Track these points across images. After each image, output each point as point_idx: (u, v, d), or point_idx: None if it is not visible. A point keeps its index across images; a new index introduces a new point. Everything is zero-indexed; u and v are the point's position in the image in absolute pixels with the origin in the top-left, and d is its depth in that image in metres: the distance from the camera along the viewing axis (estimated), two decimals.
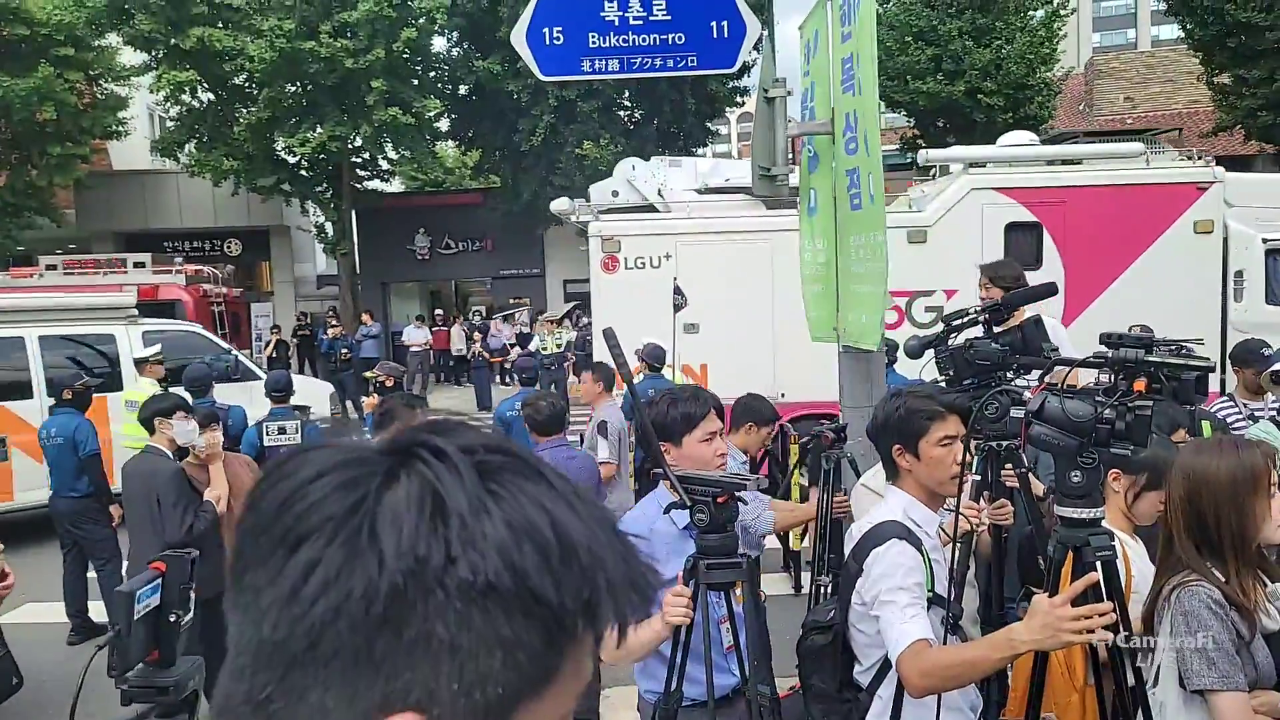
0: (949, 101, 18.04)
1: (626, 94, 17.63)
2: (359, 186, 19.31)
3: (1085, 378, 3.11)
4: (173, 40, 15.83)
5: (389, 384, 7.68)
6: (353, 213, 19.01)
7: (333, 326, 16.30)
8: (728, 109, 20.20)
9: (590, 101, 16.73)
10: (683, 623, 2.29)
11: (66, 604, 5.93)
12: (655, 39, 3.86)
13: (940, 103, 18.16)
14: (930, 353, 3.16)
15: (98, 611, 5.85)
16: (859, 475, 3.33)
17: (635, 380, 4.44)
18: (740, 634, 2.49)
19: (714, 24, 3.90)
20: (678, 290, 7.28)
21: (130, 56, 17.89)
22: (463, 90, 18.65)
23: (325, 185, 18.77)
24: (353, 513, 0.48)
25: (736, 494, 2.33)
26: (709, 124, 19.75)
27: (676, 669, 2.38)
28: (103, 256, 16.29)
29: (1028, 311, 3.50)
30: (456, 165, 28.96)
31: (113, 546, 5.89)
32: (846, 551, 2.41)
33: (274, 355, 16.83)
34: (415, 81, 17.58)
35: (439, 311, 21.29)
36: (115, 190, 20.74)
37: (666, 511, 2.45)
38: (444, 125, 19.63)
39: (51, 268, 14.88)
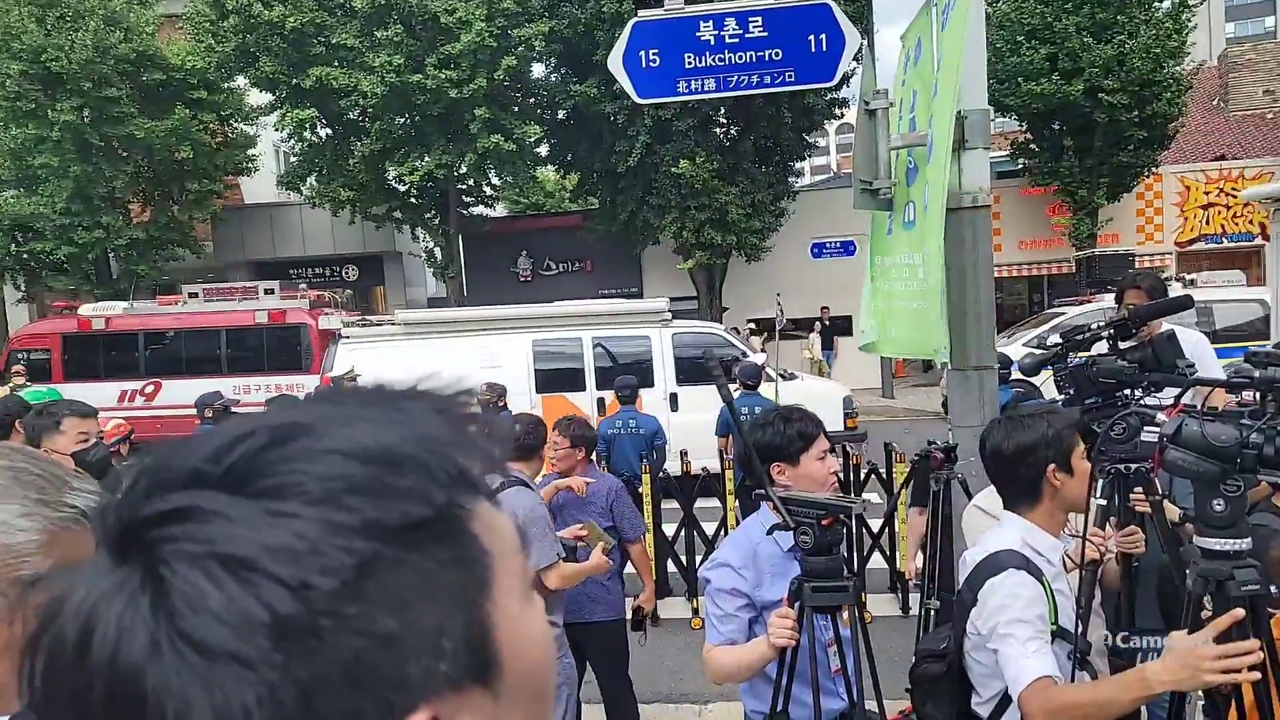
0: (1065, 102, 17.30)
1: (722, 110, 17.61)
2: (465, 212, 19.94)
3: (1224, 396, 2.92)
4: (294, 80, 16.78)
5: (500, 405, 7.88)
6: (459, 237, 19.63)
7: None
8: (826, 121, 19.92)
9: (686, 120, 16.81)
10: (788, 644, 2.28)
11: None
12: (752, 56, 3.86)
13: (1055, 104, 17.43)
14: (1048, 370, 3.04)
15: None
16: (970, 496, 3.22)
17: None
18: (848, 657, 2.46)
19: (812, 37, 3.88)
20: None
21: (257, 97, 19.06)
22: (561, 115, 19.03)
23: (433, 212, 19.46)
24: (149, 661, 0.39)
25: (842, 516, 2.30)
26: (806, 137, 19.48)
27: (782, 690, 2.37)
28: (237, 284, 17.38)
29: (1163, 325, 3.31)
30: (556, 188, 29.55)
31: None
32: (960, 578, 2.34)
33: None
34: (515, 108, 18.06)
35: None
36: (246, 222, 22.10)
37: (769, 533, 2.44)
38: (544, 150, 20.08)
39: (193, 295, 15.98)
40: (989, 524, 2.64)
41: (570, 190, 24.85)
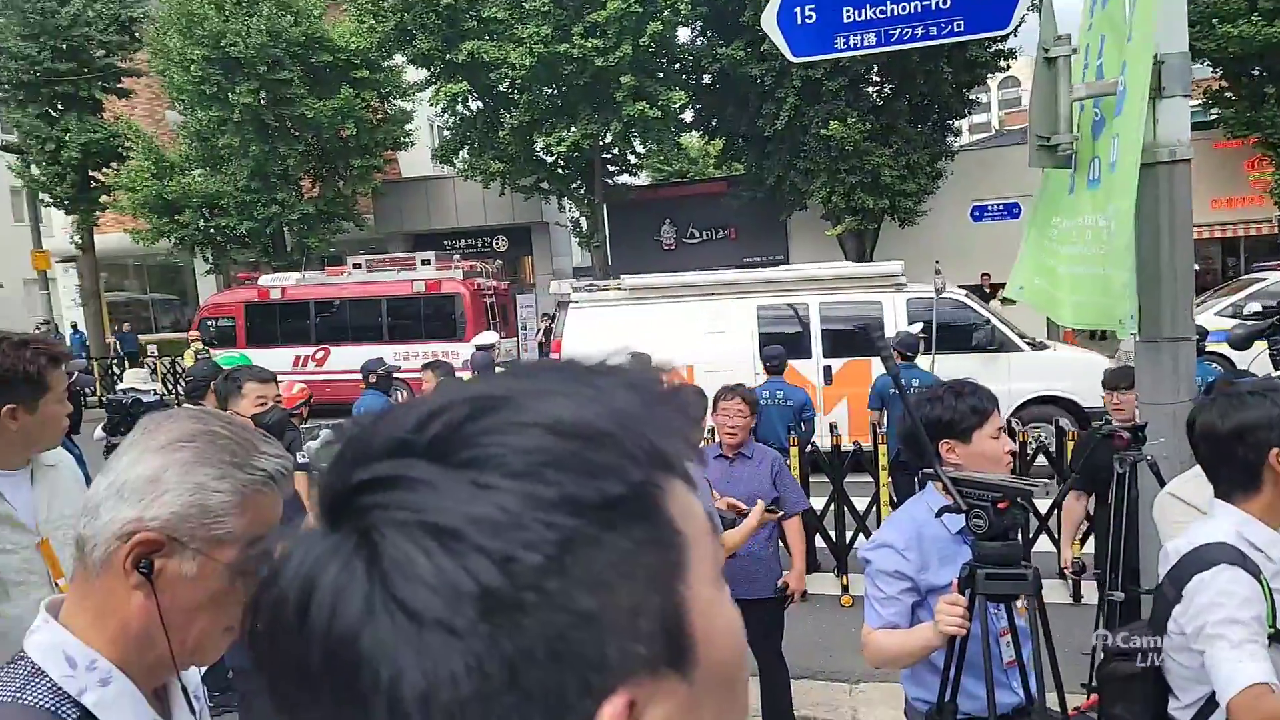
0: (1267, 45, 15.51)
1: (875, 68, 16.85)
2: (609, 181, 20.11)
3: None
4: (447, 55, 17.34)
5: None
6: (604, 207, 19.83)
7: None
8: (989, 76, 18.71)
9: (836, 79, 16.18)
10: (957, 633, 2.16)
11: None
12: (917, 6, 3.61)
13: (1255, 47, 15.66)
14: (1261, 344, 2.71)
15: None
16: (1162, 482, 2.94)
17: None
18: (1024, 649, 2.31)
19: None
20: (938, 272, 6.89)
21: (413, 74, 19.85)
22: (706, 79, 18.77)
23: (579, 182, 19.74)
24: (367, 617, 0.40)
25: (1021, 500, 2.14)
26: (967, 93, 18.32)
27: (950, 681, 2.25)
28: (396, 255, 18.32)
29: None
30: (700, 155, 29.34)
31: None
32: (1161, 571, 2.13)
33: (543, 342, 18.02)
34: (660, 75, 17.97)
35: None
36: (404, 196, 23.19)
37: (939, 515, 2.31)
38: (688, 116, 19.93)
39: (358, 266, 16.98)
40: (1187, 515, 2.40)
41: (714, 156, 24.59)
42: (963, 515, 2.17)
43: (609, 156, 19.67)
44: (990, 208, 19.34)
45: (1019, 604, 2.28)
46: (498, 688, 0.38)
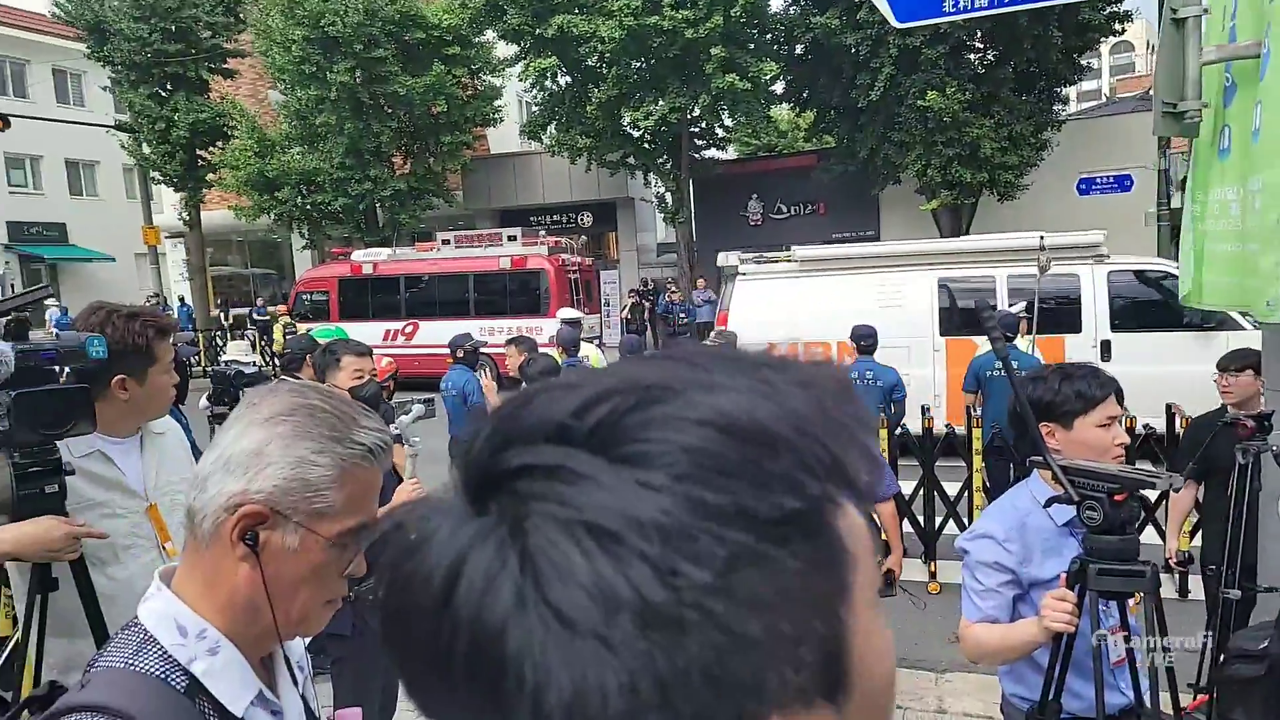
0: None
1: (978, 34, 16.13)
2: (696, 156, 19.92)
3: None
4: (537, 30, 17.41)
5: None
6: (690, 182, 19.67)
7: (672, 292, 17.09)
8: (1101, 40, 17.71)
9: (936, 47, 15.56)
10: (1064, 630, 2.05)
11: None
12: None
13: None
14: None
15: None
16: None
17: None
18: (1134, 648, 2.18)
19: None
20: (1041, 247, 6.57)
21: (503, 50, 20.01)
22: (798, 50, 18.33)
23: (665, 157, 19.62)
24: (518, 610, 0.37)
25: (1138, 492, 2.01)
26: (1078, 59, 17.36)
27: (1054, 680, 2.14)
28: (484, 231, 18.60)
29: None
30: (790, 128, 28.79)
31: None
32: None
33: (628, 318, 18.07)
34: (751, 46, 17.66)
35: None
36: (492, 172, 23.48)
37: (1047, 505, 2.18)
38: (779, 88, 19.54)
39: (446, 242, 17.31)
40: None
41: (805, 129, 24.10)
42: (1073, 507, 2.05)
43: (696, 131, 19.48)
44: (1099, 180, 18.37)
45: (1130, 601, 2.15)
46: (647, 707, 0.35)
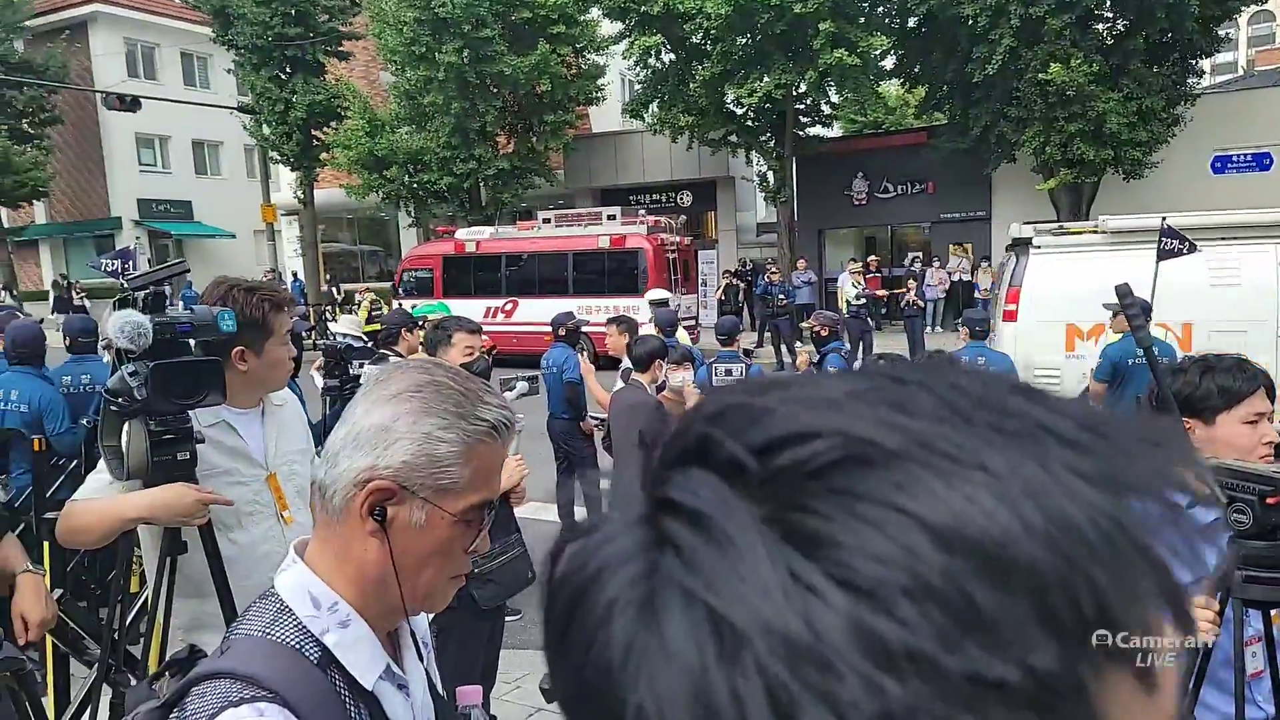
0: None
1: (1107, 3, 15.20)
2: (800, 134, 19.54)
3: None
4: (642, 8, 17.33)
5: (824, 333, 7.68)
6: (793, 160, 19.32)
7: (771, 273, 16.86)
8: (1241, 8, 16.49)
9: (1061, 16, 14.74)
10: (1204, 639, 1.91)
11: (558, 506, 6.95)
12: None
13: None
14: None
15: (581, 514, 6.82)
16: None
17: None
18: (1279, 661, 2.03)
19: None
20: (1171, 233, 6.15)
21: (607, 28, 20.02)
22: (911, 23, 17.70)
23: (769, 135, 19.31)
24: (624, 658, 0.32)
25: None
26: (1215, 29, 16.19)
27: (1189, 691, 2.01)
28: (584, 210, 18.75)
29: None
30: (898, 104, 27.93)
31: (595, 462, 6.75)
32: None
33: (723, 298, 17.94)
34: (861, 20, 17.16)
35: (873, 258, 20.90)
36: (594, 151, 23.62)
37: (1189, 508, 2.04)
38: (889, 63, 18.93)
39: (547, 221, 17.53)
40: None
41: (914, 106, 23.32)
42: (1216, 509, 1.90)
43: (801, 108, 19.09)
44: (1236, 158, 17.12)
45: (1275, 611, 2.00)
46: None
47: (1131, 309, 1.99)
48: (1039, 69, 14.96)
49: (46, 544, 3.25)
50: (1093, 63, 14.72)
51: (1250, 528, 1.86)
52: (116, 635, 2.41)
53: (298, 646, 0.99)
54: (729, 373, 6.53)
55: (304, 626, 1.00)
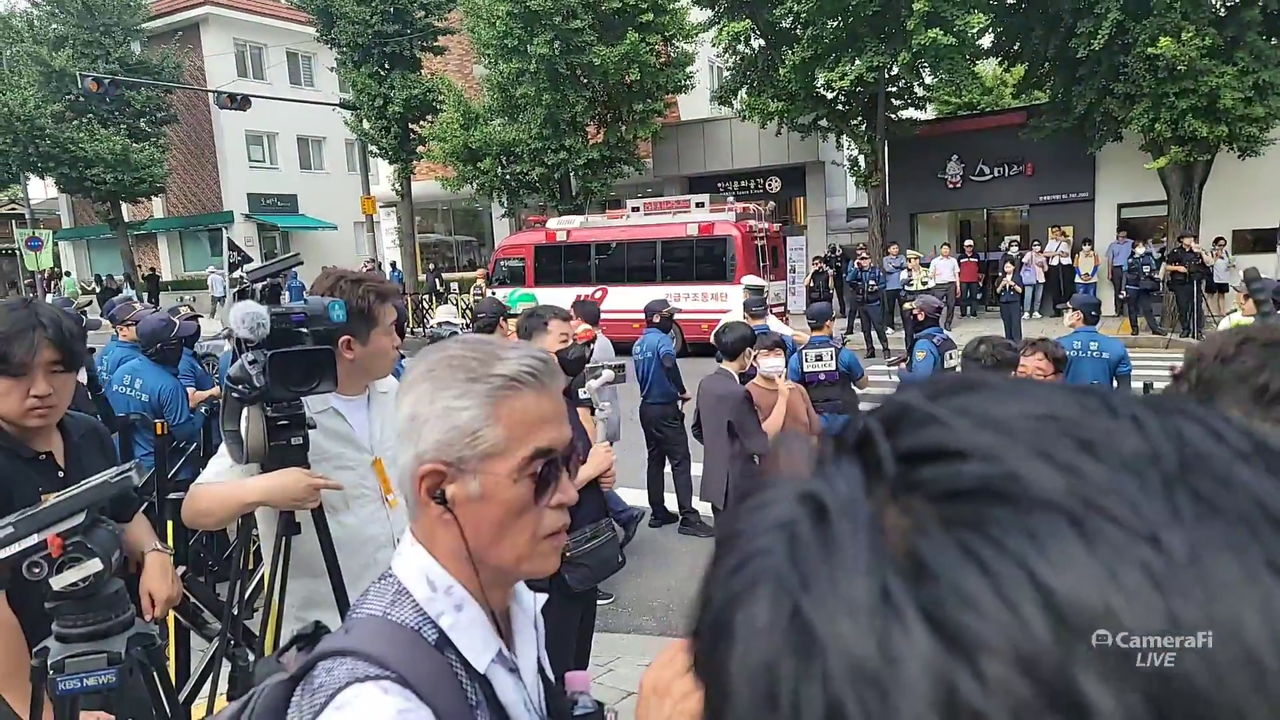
0: None
1: None
2: (893, 116, 19.05)
3: None
4: None
5: (921, 317, 7.50)
6: (885, 144, 18.86)
7: (862, 258, 16.54)
8: None
9: None
10: None
11: (649, 492, 7.01)
12: None
13: None
14: None
15: (670, 502, 6.87)
16: None
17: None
18: None
19: None
20: None
21: (696, 15, 19.91)
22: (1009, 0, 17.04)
23: (860, 118, 18.90)
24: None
25: None
26: None
27: None
28: (672, 199, 18.74)
29: None
30: (994, 84, 26.90)
31: (685, 449, 6.79)
32: None
33: (812, 285, 17.70)
34: None
35: (968, 242, 20.25)
36: (682, 139, 23.55)
37: None
38: (985, 42, 18.23)
39: (636, 209, 17.59)
40: None
41: (1013, 85, 22.43)
42: None
43: (894, 90, 18.59)
44: None
45: None
46: None
47: (1260, 294, 1.89)
48: (1148, 43, 14.17)
49: (170, 523, 3.44)
50: (1205, 36, 13.86)
51: None
52: (236, 611, 2.56)
53: (416, 628, 1.01)
54: (819, 358, 6.47)
55: (421, 609, 1.03)
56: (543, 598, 1.23)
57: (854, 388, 6.69)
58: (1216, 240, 16.39)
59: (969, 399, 0.32)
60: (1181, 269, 15.09)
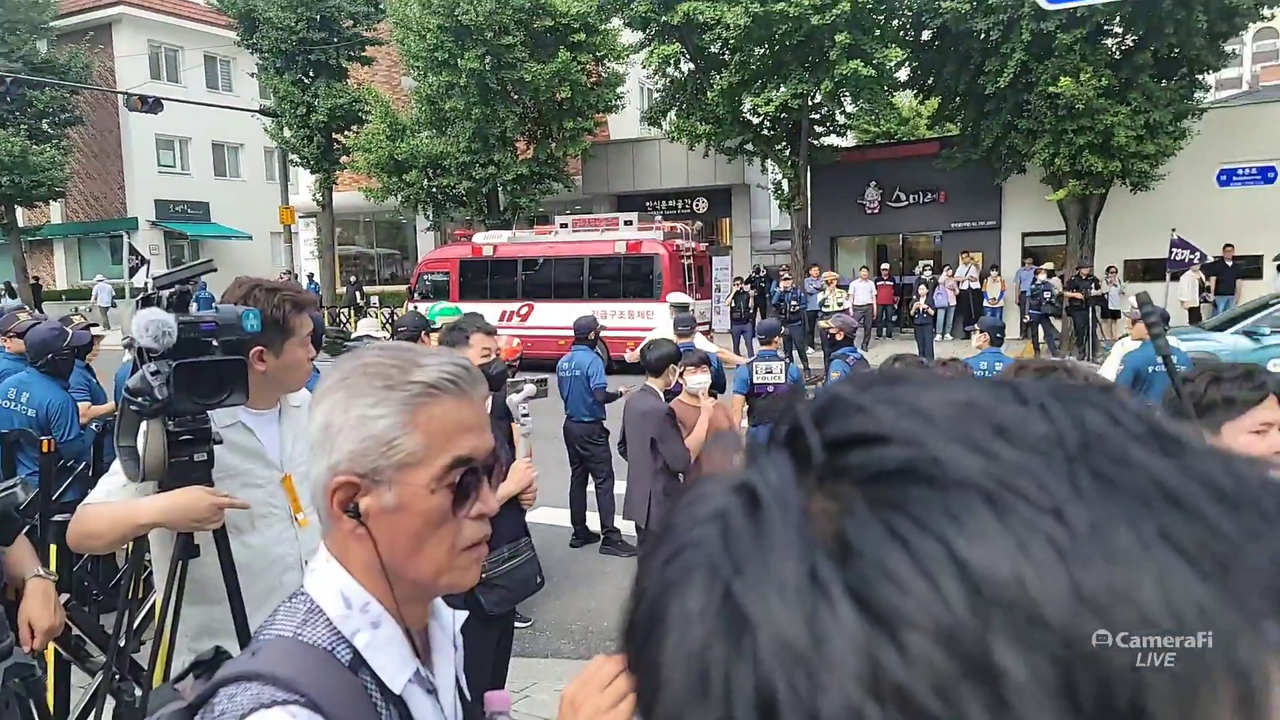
0: None
1: (1118, 18, 15.25)
2: (815, 143, 19.56)
3: None
4: (663, 17, 17.40)
5: (839, 337, 7.68)
6: (807, 168, 19.34)
7: (785, 280, 16.86)
8: (1248, 25, 16.48)
9: (1072, 31, 14.80)
10: None
11: (571, 511, 6.95)
12: None
13: None
14: None
15: (593, 521, 6.82)
16: None
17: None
18: None
19: None
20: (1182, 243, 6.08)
21: (628, 37, 20.10)
22: (925, 36, 17.76)
23: (784, 143, 19.34)
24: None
25: None
26: (1223, 45, 16.25)
27: None
28: (600, 216, 18.80)
29: None
30: (911, 115, 27.90)
31: (609, 467, 6.76)
32: None
33: (733, 305, 17.94)
34: (877, 32, 17.17)
35: (885, 266, 20.89)
36: (611, 157, 23.68)
37: None
38: (903, 75, 18.95)
39: (564, 226, 17.58)
40: None
41: (927, 117, 23.33)
42: None
43: (817, 117, 19.12)
44: (1241, 171, 17.01)
45: None
46: None
47: (1151, 317, 1.99)
48: (1049, 82, 15.06)
49: (54, 547, 3.24)
50: (1102, 77, 14.77)
51: None
52: (123, 643, 2.36)
53: (329, 648, 0.97)
54: (769, 371, 6.59)
55: (335, 627, 0.98)
56: (462, 615, 1.18)
57: None
58: (1109, 269, 17.32)
59: (893, 390, 0.33)
60: (1078, 295, 15.90)
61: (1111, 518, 0.27)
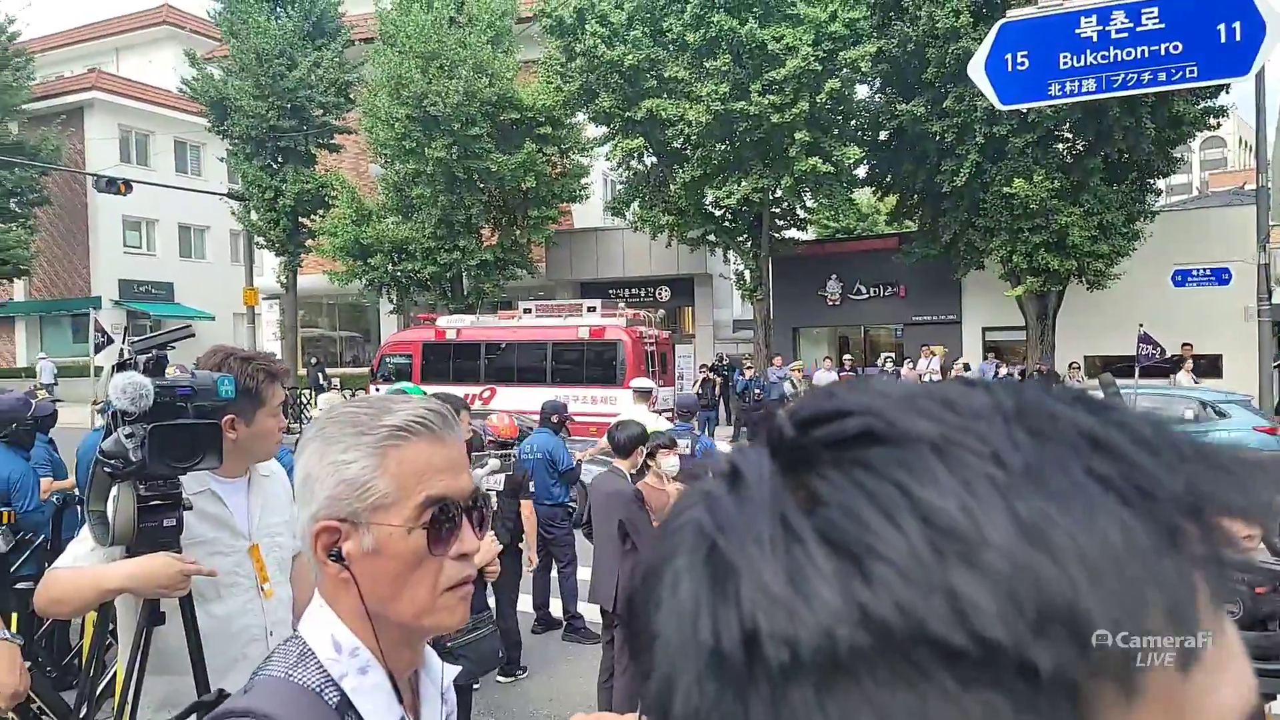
0: None
1: (1068, 124, 16.03)
2: (776, 235, 20.09)
3: None
4: (627, 113, 18.00)
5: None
6: (769, 260, 19.81)
7: (747, 368, 17.04)
8: (1195, 133, 17.44)
9: (1023, 135, 15.54)
10: None
11: (533, 596, 6.79)
12: (1144, 51, 3.38)
13: None
14: None
15: (556, 608, 6.66)
16: None
17: None
18: None
19: (1222, 27, 3.29)
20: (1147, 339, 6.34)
21: (592, 130, 20.72)
22: (882, 136, 18.52)
23: (746, 235, 19.83)
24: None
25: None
26: (1171, 151, 17.10)
27: None
28: (565, 302, 18.97)
29: None
30: (870, 211, 28.85)
31: (573, 551, 6.64)
32: None
33: (700, 392, 18.05)
34: (835, 131, 17.89)
35: (848, 356, 21.23)
36: (575, 245, 24.08)
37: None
38: (861, 172, 19.68)
39: (528, 310, 17.69)
40: None
41: (886, 213, 24.14)
42: None
43: (778, 211, 19.69)
44: (1195, 272, 17.78)
45: (1272, 706, 1.99)
46: None
47: (1109, 388, 2.06)
48: (1004, 183, 15.66)
49: (15, 615, 3.12)
50: (1054, 179, 15.42)
51: (1241, 618, 1.88)
52: (83, 713, 2.30)
53: (318, 690, 0.99)
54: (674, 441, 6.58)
55: (325, 670, 1.01)
56: (453, 669, 1.19)
57: None
58: (1071, 365, 17.73)
59: (857, 384, 0.38)
60: None
61: (1044, 460, 0.32)
